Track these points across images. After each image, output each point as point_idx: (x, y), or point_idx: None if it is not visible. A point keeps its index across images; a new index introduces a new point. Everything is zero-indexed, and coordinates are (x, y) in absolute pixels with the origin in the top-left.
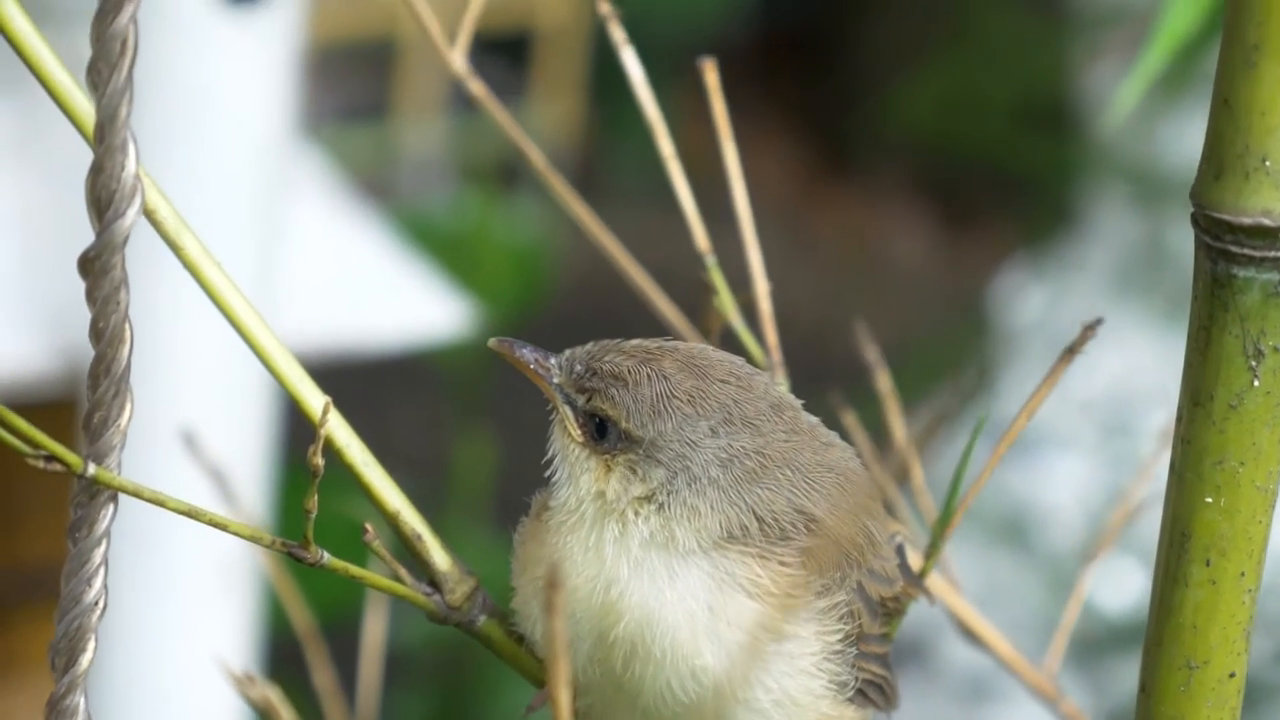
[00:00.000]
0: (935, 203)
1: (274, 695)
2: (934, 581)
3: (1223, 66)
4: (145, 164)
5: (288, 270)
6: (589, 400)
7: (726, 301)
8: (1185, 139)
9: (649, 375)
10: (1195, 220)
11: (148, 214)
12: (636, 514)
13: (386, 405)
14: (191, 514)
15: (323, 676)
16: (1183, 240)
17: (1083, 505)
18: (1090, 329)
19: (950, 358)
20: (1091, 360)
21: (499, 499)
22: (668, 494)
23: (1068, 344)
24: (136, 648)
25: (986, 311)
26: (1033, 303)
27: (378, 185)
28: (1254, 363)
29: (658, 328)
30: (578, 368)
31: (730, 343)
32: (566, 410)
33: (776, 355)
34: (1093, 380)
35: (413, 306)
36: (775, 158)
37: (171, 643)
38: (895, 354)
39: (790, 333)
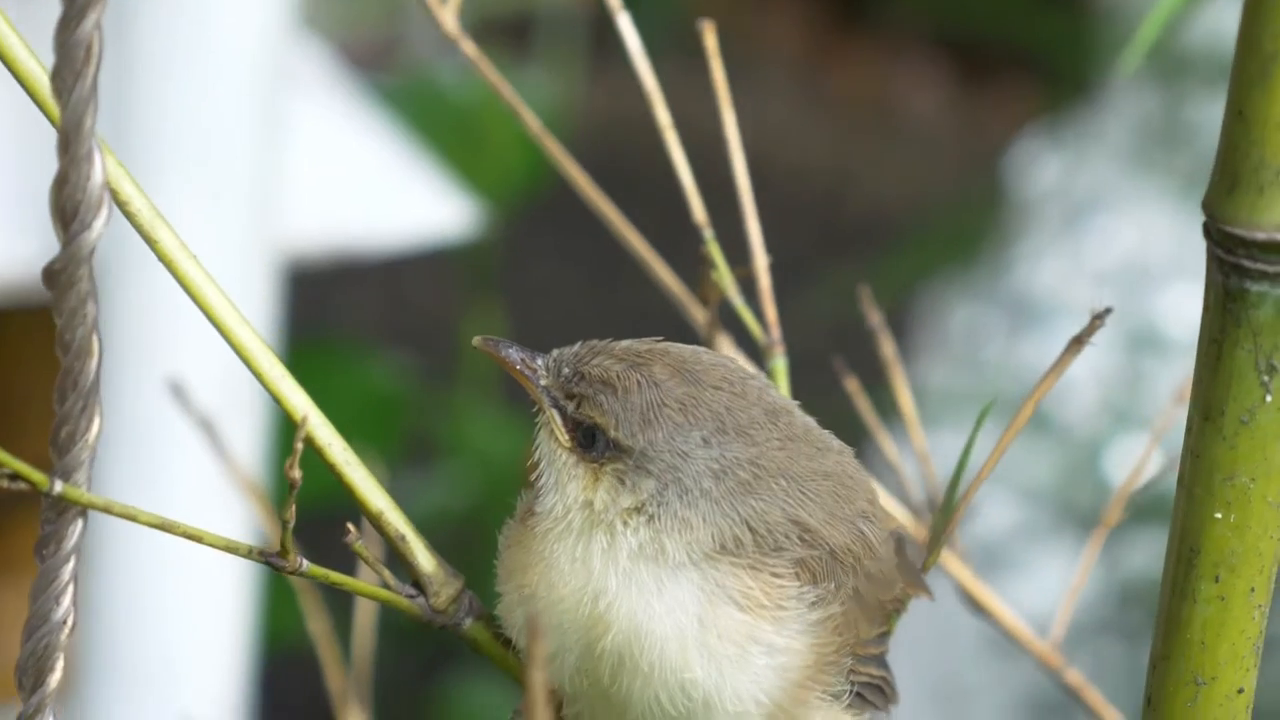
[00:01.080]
0: (952, 60)
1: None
2: (946, 558)
3: (1237, 76)
4: (142, 64)
5: (291, 169)
6: (577, 407)
7: (725, 276)
8: (1205, 14)
9: (639, 382)
10: (1207, 232)
11: (121, 206)
12: (625, 525)
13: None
14: (164, 527)
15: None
16: (1201, 116)
17: (1096, 377)
18: (1099, 318)
19: (965, 225)
20: (1107, 231)
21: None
22: (658, 505)
23: (1076, 334)
24: (137, 632)
25: (1001, 177)
26: (1049, 171)
27: (385, 45)
28: (1266, 378)
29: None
30: (565, 370)
31: (727, 316)
32: (554, 414)
33: (776, 331)
34: (1108, 251)
35: (419, 206)
36: (789, 9)
37: (172, 626)
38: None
39: (805, 186)
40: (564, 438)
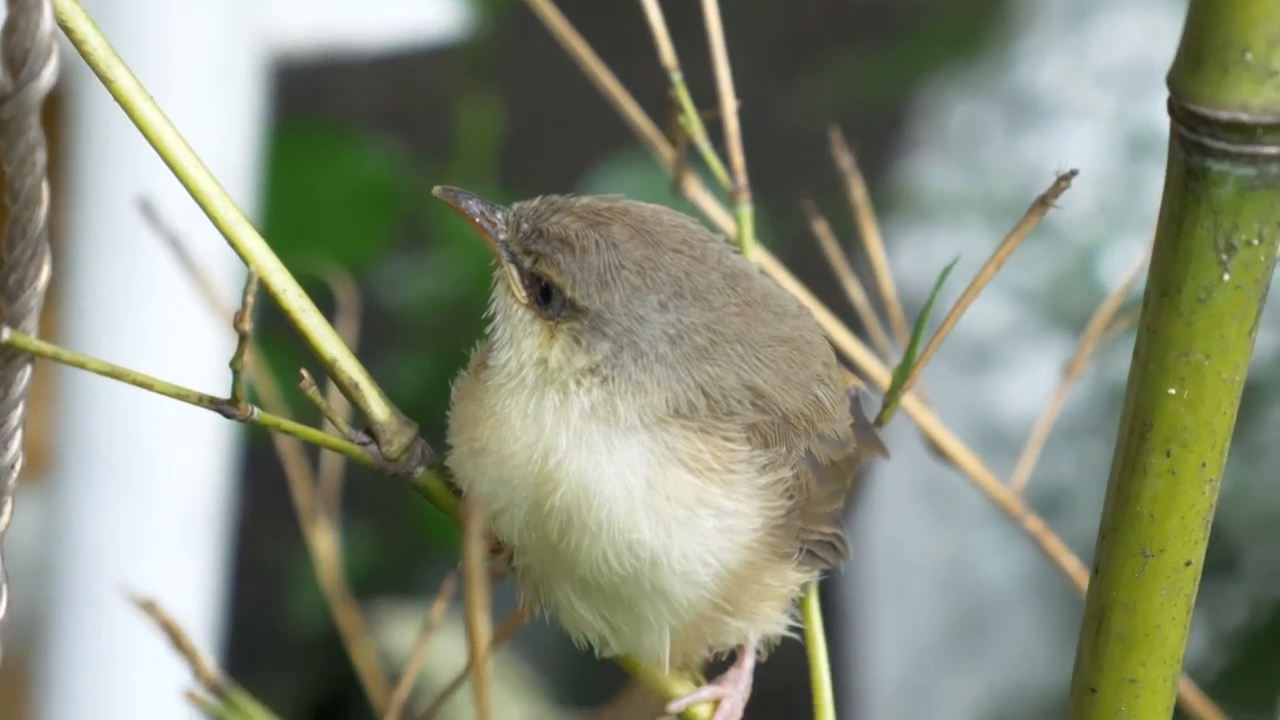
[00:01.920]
0: None
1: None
2: (907, 401)
3: None
4: None
5: None
6: (534, 263)
7: (693, 120)
8: None
9: (597, 242)
10: (1171, 109)
11: (77, 45)
12: (579, 385)
13: (393, 69)
14: (113, 374)
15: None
16: None
17: (1096, 177)
18: (1065, 179)
19: (970, 18)
20: (1112, 31)
21: (502, 160)
22: (612, 367)
23: (1040, 194)
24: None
25: None
26: None
27: None
28: (1225, 256)
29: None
30: (525, 226)
31: (695, 159)
32: (511, 270)
33: (742, 178)
34: (1111, 49)
35: (408, 3)
36: None
37: (151, 416)
38: (916, 3)
39: None
40: (521, 294)
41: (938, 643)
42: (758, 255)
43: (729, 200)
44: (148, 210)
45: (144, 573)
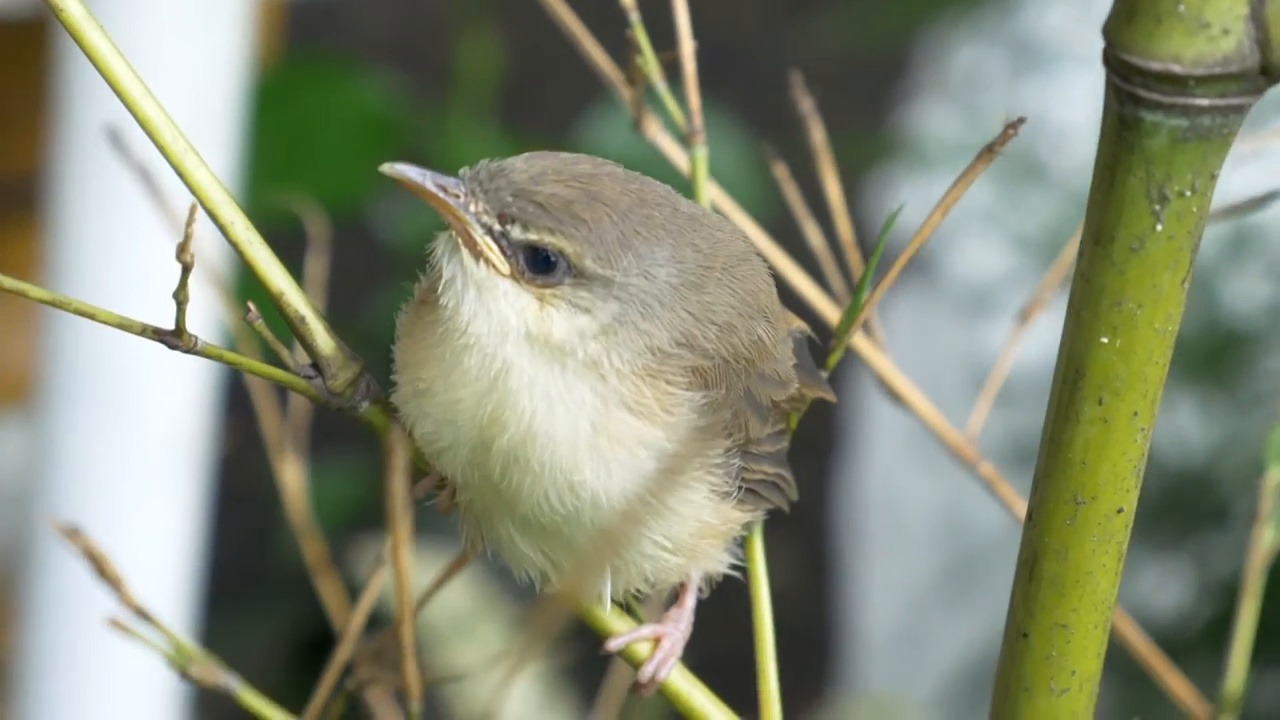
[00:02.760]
0: None
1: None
2: (859, 341)
3: None
4: None
5: None
6: (525, 231)
7: (650, 61)
8: None
9: (607, 212)
10: (1106, 59)
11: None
12: (582, 347)
13: (395, 7)
14: (56, 303)
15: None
16: None
17: (1095, 126)
18: (1012, 127)
19: None
20: None
21: (503, 94)
22: (620, 325)
23: (987, 143)
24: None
25: None
26: None
27: None
28: (1158, 207)
29: None
30: (506, 197)
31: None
32: (487, 241)
33: (698, 120)
34: None
35: None
36: None
37: (122, 522)
38: None
39: None
40: (501, 264)
41: (930, 589)
42: (713, 194)
43: (686, 141)
44: (116, 140)
45: (126, 502)
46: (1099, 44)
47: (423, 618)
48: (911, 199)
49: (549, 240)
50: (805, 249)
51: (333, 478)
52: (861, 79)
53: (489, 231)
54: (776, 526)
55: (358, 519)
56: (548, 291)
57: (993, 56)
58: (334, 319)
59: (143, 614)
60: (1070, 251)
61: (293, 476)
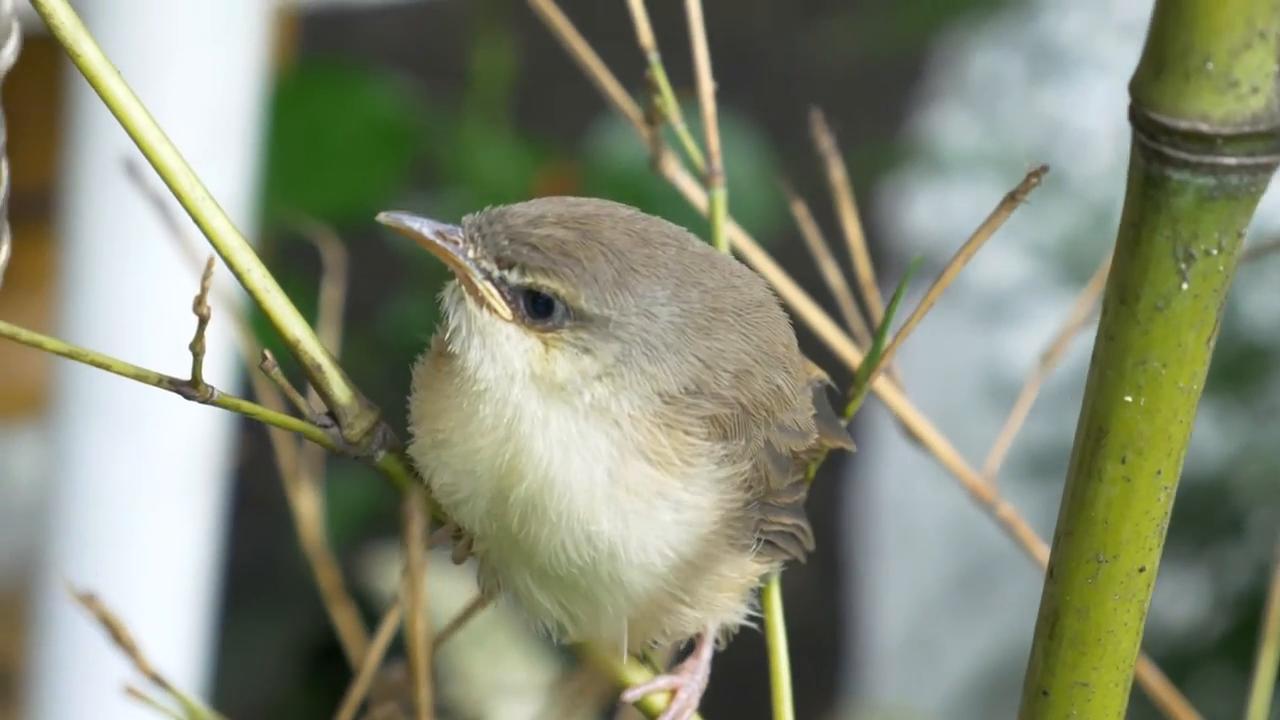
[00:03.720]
0: None
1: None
2: (880, 385)
3: None
4: None
5: None
6: (524, 276)
7: (669, 102)
8: None
9: (602, 251)
10: (1132, 116)
11: (44, 19)
12: (587, 390)
13: (407, 15)
14: (73, 355)
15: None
16: None
17: (1116, 135)
18: (1035, 175)
19: None
20: None
21: (517, 100)
22: (624, 367)
23: (1009, 191)
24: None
25: None
26: None
27: None
28: (1184, 265)
29: None
30: (502, 241)
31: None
32: (487, 286)
33: (717, 161)
34: (1135, 2)
35: None
36: None
37: (136, 532)
38: None
39: None
40: (503, 310)
41: (943, 597)
42: (732, 233)
43: (705, 183)
44: (132, 171)
45: (142, 515)
46: (1119, 50)
47: (436, 623)
48: (927, 205)
49: (544, 282)
50: (823, 281)
51: (347, 484)
52: (877, 84)
53: (488, 277)
54: None
55: (371, 526)
56: (550, 335)
57: (1011, 62)
58: (347, 326)
59: (158, 680)
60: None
61: (307, 506)
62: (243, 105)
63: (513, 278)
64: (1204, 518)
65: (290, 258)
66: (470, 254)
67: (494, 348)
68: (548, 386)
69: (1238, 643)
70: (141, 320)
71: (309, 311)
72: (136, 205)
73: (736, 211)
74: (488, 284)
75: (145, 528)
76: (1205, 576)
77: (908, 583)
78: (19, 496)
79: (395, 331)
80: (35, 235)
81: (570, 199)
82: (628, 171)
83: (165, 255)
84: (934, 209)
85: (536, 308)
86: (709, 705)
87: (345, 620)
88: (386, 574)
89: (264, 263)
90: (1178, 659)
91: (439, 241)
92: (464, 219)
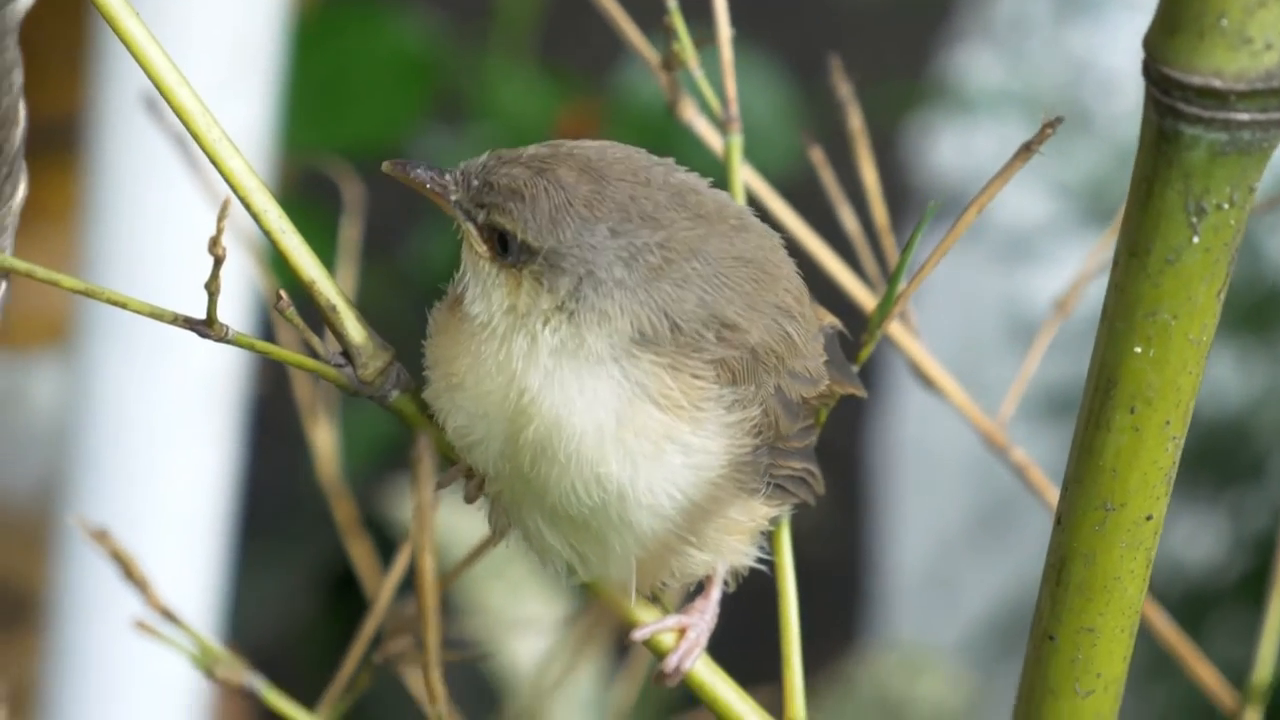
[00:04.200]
0: None
1: None
2: (894, 329)
3: None
4: None
5: None
6: (487, 215)
7: (687, 47)
8: None
9: (545, 187)
10: (1146, 71)
11: None
12: (546, 324)
13: None
14: (88, 293)
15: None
16: None
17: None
18: (1050, 125)
19: None
20: None
21: (543, 33)
22: (576, 301)
23: (1024, 141)
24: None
25: None
26: None
27: None
28: (1195, 219)
29: None
30: (474, 182)
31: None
32: (469, 227)
33: (734, 107)
34: None
35: None
36: None
37: (157, 459)
38: None
39: None
40: (481, 248)
41: (962, 535)
42: (749, 179)
43: (722, 129)
44: (152, 109)
45: (162, 442)
46: None
47: (452, 557)
48: (952, 145)
49: (497, 219)
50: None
51: (366, 415)
52: (905, 22)
53: (470, 218)
54: None
55: (391, 456)
56: (513, 270)
57: (1038, 1)
58: (370, 259)
59: (169, 615)
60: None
61: (323, 439)
62: (266, 37)
63: (480, 217)
64: (1224, 460)
65: (313, 190)
66: (455, 197)
67: (483, 285)
68: (520, 318)
69: (1256, 584)
70: (163, 253)
71: (331, 245)
72: (159, 139)
73: (759, 152)
74: (469, 225)
75: (165, 455)
76: (1224, 518)
77: (927, 521)
78: (41, 423)
79: (418, 266)
80: (60, 166)
81: (568, 142)
82: (650, 110)
83: (187, 189)
84: (959, 148)
85: (504, 246)
86: (717, 645)
87: (361, 553)
88: (405, 505)
89: (285, 196)
90: (1195, 601)
91: (430, 186)
92: (462, 163)
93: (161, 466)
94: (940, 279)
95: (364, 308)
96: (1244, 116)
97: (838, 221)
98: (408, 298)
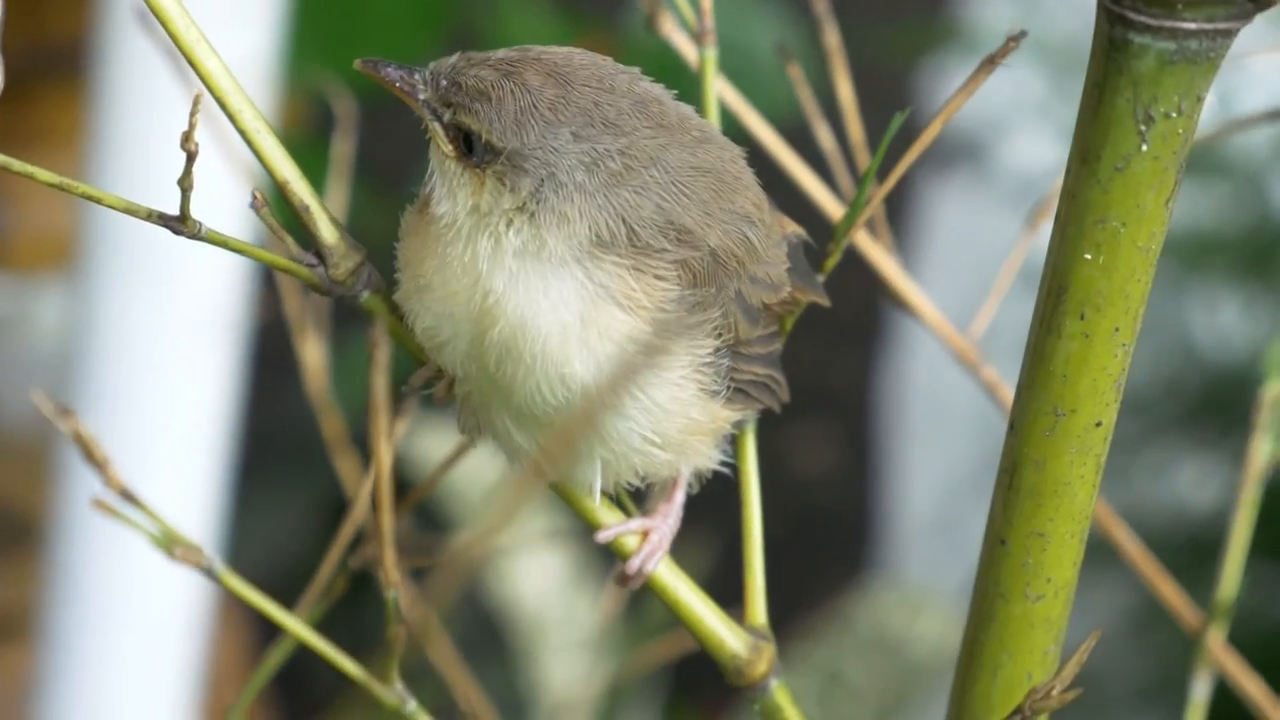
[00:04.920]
0: None
1: None
2: (864, 242)
3: None
4: None
5: None
6: (454, 115)
7: None
8: None
9: (511, 89)
10: None
11: None
12: (509, 225)
13: None
14: (63, 187)
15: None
16: None
17: None
18: (1014, 39)
19: None
20: None
21: None
22: (537, 203)
23: (988, 54)
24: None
25: None
26: None
27: None
28: (1144, 127)
29: None
30: (443, 82)
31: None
32: (435, 126)
33: (709, 19)
34: None
35: None
36: None
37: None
38: None
39: None
40: (447, 147)
41: (971, 479)
42: (727, 94)
43: (697, 40)
44: (145, 21)
45: (164, 367)
46: None
47: (451, 490)
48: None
49: (463, 119)
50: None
51: (364, 352)
52: None
53: (437, 117)
54: (819, 411)
55: (393, 385)
56: (477, 169)
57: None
58: (380, 190)
59: (128, 496)
60: None
61: (313, 355)
62: None
63: (446, 116)
64: (1230, 405)
65: (323, 126)
66: (424, 96)
67: (448, 184)
68: (482, 217)
69: (1260, 530)
70: (167, 174)
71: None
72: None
73: (764, 94)
74: (436, 124)
75: (168, 380)
76: (1228, 463)
77: (936, 465)
78: (44, 347)
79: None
80: (67, 90)
81: (543, 48)
82: (664, 47)
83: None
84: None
85: (469, 145)
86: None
87: (349, 469)
88: (417, 437)
89: (290, 126)
90: (1200, 545)
91: (400, 85)
92: (432, 64)
93: (164, 390)
94: (952, 226)
95: (369, 237)
96: (1191, 25)
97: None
98: None
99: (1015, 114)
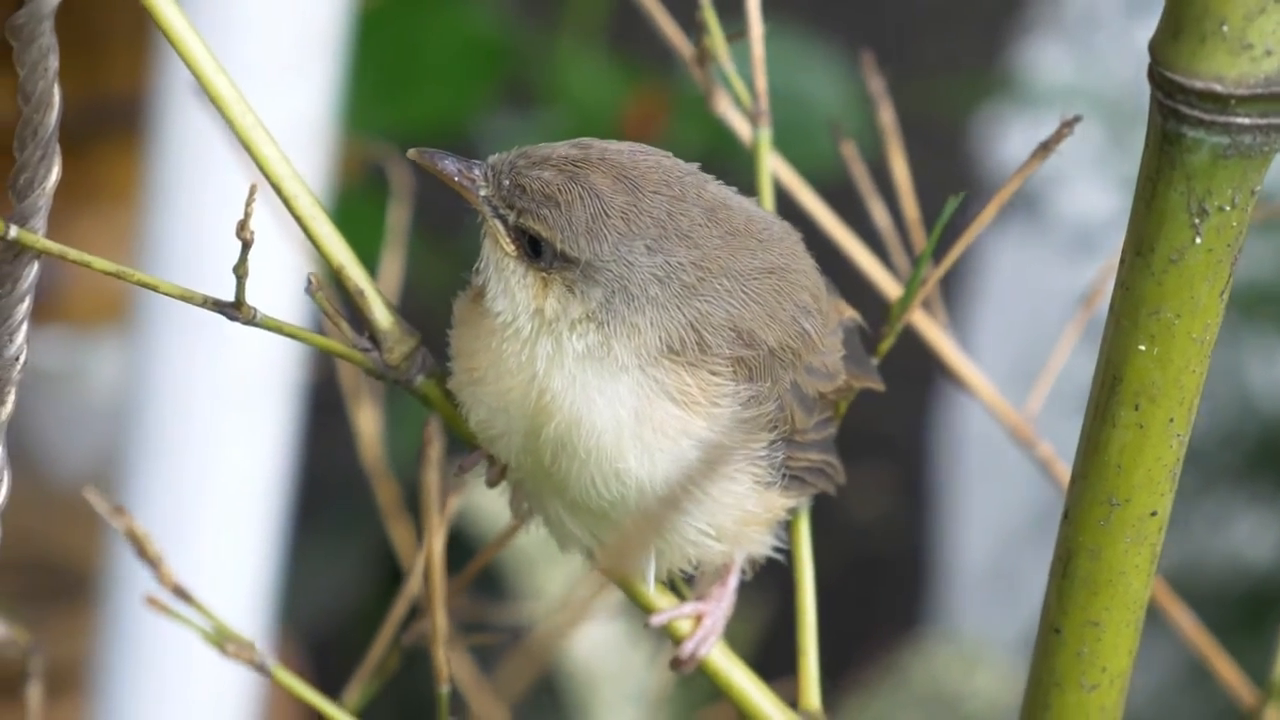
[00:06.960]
0: None
1: None
2: (921, 321)
3: None
4: None
5: None
6: (519, 218)
7: (718, 40)
8: None
9: (580, 195)
10: (1151, 75)
11: None
12: (573, 330)
13: None
14: (119, 275)
15: None
16: None
17: None
18: (1068, 124)
19: None
20: None
21: (614, 19)
22: (607, 313)
23: (1041, 141)
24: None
25: None
26: None
27: None
28: (1197, 220)
29: None
30: (505, 181)
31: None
32: (497, 224)
33: (764, 101)
34: None
35: None
36: None
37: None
38: None
39: None
40: (510, 247)
41: (1027, 528)
42: (781, 172)
43: (752, 122)
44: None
45: (219, 421)
46: None
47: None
48: (1021, 139)
49: (529, 224)
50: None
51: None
52: (976, 13)
53: (498, 215)
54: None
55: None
56: (544, 274)
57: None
58: (434, 241)
59: (181, 593)
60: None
61: (368, 424)
62: (333, 18)
63: (510, 218)
64: None
65: (381, 176)
66: (484, 192)
67: (506, 282)
68: (547, 323)
69: None
70: (222, 236)
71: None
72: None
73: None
74: (497, 221)
75: (222, 433)
76: (1268, 512)
77: (991, 514)
78: (100, 400)
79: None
80: (124, 146)
81: (601, 142)
82: None
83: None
84: (1027, 141)
85: (534, 247)
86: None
87: (403, 534)
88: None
89: (348, 180)
90: (1258, 598)
91: (458, 179)
92: (491, 158)
93: (217, 447)
94: (1008, 274)
95: (425, 291)
96: (1245, 120)
97: (890, 214)
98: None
99: (1072, 163)
